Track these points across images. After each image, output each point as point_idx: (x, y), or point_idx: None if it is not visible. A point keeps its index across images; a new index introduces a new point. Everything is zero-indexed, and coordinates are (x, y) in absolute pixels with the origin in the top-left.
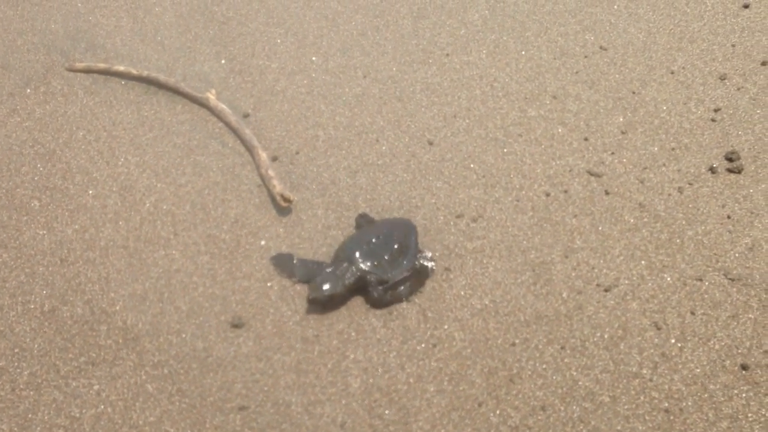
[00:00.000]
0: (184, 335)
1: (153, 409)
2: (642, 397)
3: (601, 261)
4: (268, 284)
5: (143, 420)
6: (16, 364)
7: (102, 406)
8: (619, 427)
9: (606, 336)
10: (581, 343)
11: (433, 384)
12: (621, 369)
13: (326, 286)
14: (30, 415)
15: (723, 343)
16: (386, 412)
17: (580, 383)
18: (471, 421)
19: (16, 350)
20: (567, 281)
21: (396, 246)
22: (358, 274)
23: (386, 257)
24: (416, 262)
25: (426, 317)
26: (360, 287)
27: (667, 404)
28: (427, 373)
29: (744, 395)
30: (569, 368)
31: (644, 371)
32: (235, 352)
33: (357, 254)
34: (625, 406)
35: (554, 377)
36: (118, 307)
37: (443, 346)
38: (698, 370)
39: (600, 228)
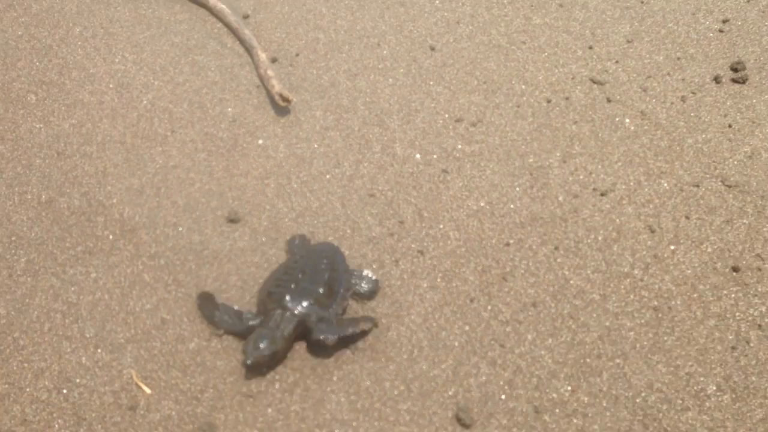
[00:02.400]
0: (180, 228)
1: (149, 297)
2: (632, 296)
3: (599, 166)
4: (265, 182)
5: (140, 307)
6: (13, 251)
7: (99, 293)
8: (607, 324)
9: (600, 238)
10: (575, 245)
11: (426, 280)
12: (613, 269)
13: (263, 345)
14: (27, 300)
15: (716, 247)
16: (379, 306)
17: (571, 282)
18: (462, 315)
19: (13, 238)
20: (564, 185)
21: (327, 275)
22: (296, 319)
23: (321, 290)
24: (356, 285)
25: (422, 216)
26: (301, 333)
27: (656, 303)
28: (421, 270)
29: (733, 296)
30: (562, 268)
31: (636, 271)
32: (230, 246)
33: (287, 297)
34: (615, 304)
35: (546, 276)
36: (115, 200)
37: (438, 245)
38: (689, 272)
39: (600, 134)
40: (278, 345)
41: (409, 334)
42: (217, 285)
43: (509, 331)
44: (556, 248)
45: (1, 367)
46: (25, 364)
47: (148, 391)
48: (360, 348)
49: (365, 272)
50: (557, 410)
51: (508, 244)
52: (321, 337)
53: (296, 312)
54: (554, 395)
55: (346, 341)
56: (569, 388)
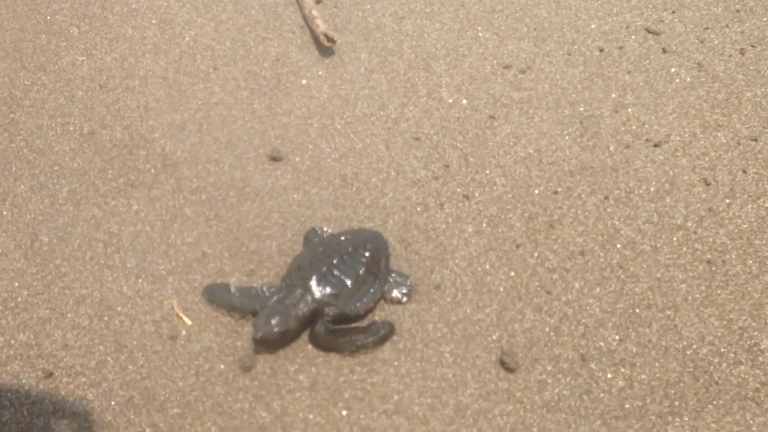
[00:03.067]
0: (222, 165)
1: (191, 231)
2: (684, 248)
3: (653, 117)
4: (308, 121)
5: (181, 240)
6: (55, 180)
7: (140, 225)
8: (658, 275)
9: (652, 189)
10: (626, 195)
11: (471, 225)
12: (665, 221)
13: (275, 321)
14: (69, 229)
15: None
16: (423, 248)
17: (621, 232)
18: (508, 261)
19: (55, 168)
20: (615, 135)
21: (362, 270)
22: (314, 305)
23: (348, 284)
24: (391, 291)
25: (468, 162)
26: (314, 321)
27: (710, 256)
28: (466, 215)
29: None
30: (611, 218)
31: (689, 224)
32: (272, 184)
33: (314, 279)
34: (666, 256)
35: (595, 225)
36: (156, 135)
37: (484, 190)
38: (745, 226)
39: (654, 85)
40: (290, 324)
41: (452, 278)
42: (259, 222)
43: (556, 279)
44: (606, 198)
45: (42, 293)
46: (67, 291)
47: (188, 322)
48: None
49: (405, 279)
50: (604, 359)
51: (556, 192)
52: (320, 330)
53: (316, 297)
54: (601, 344)
55: (349, 345)
56: (617, 337)
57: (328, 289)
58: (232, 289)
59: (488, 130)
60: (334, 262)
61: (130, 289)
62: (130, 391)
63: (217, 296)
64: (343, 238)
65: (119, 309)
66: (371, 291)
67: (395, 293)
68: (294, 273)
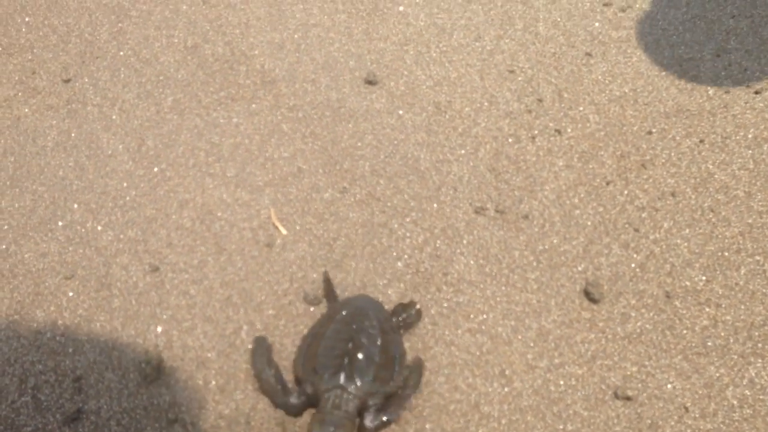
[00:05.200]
0: (318, 85)
1: (287, 146)
2: None
3: (755, 64)
4: (404, 48)
5: (278, 155)
6: (161, 90)
7: (240, 137)
8: (750, 221)
9: (750, 136)
10: (722, 140)
11: (562, 159)
12: (761, 168)
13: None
14: (174, 136)
15: None
16: (513, 178)
17: (715, 176)
18: (597, 197)
19: (161, 78)
20: (715, 79)
21: (380, 340)
22: (357, 400)
23: (377, 360)
24: (403, 326)
25: (561, 97)
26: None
27: None
28: (557, 149)
29: None
30: (706, 161)
31: None
32: (367, 107)
33: (342, 375)
34: (760, 203)
35: (689, 168)
36: (256, 52)
37: (576, 126)
38: None
39: (759, 31)
40: (348, 430)
41: (541, 209)
42: (352, 142)
43: (645, 217)
44: (702, 141)
45: (149, 194)
46: (171, 194)
47: (284, 231)
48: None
49: (405, 308)
50: (689, 298)
51: (650, 133)
52: (368, 425)
53: (355, 393)
54: (687, 283)
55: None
56: (704, 278)
57: (361, 379)
58: (273, 364)
59: (584, 67)
60: (350, 346)
61: (229, 197)
62: (229, 290)
63: (258, 356)
64: (339, 321)
65: (219, 214)
66: (398, 352)
67: (409, 321)
68: (312, 377)
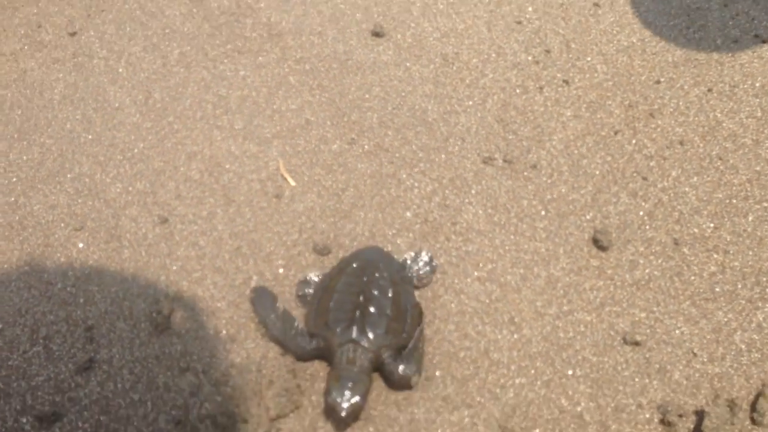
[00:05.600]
0: (325, 37)
1: (294, 99)
2: None
3: (763, 14)
4: (411, 0)
5: (285, 107)
6: (167, 43)
7: (247, 90)
8: (758, 168)
9: (758, 84)
10: (730, 89)
11: (570, 109)
12: None
13: (351, 388)
14: (180, 89)
15: None
16: (521, 128)
17: (723, 125)
18: (605, 146)
19: (167, 30)
20: (723, 29)
21: (391, 291)
22: (371, 354)
23: (389, 313)
24: (415, 279)
25: (569, 48)
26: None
27: None
28: (565, 99)
29: None
30: (714, 110)
31: None
32: (374, 59)
33: (354, 329)
34: None
35: (697, 117)
36: (262, 5)
37: (584, 76)
38: None
39: None
40: (366, 384)
41: (549, 159)
42: (360, 94)
43: (653, 166)
44: (710, 90)
45: (156, 146)
46: (179, 146)
47: (292, 183)
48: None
49: (417, 258)
50: (697, 244)
51: (658, 82)
52: (402, 373)
53: (368, 346)
54: (695, 230)
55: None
56: (712, 225)
57: (374, 332)
58: (278, 309)
59: (591, 17)
60: (361, 299)
61: (237, 149)
62: (239, 241)
63: (260, 304)
64: (350, 275)
65: (227, 166)
66: (409, 304)
67: (422, 276)
68: (325, 332)
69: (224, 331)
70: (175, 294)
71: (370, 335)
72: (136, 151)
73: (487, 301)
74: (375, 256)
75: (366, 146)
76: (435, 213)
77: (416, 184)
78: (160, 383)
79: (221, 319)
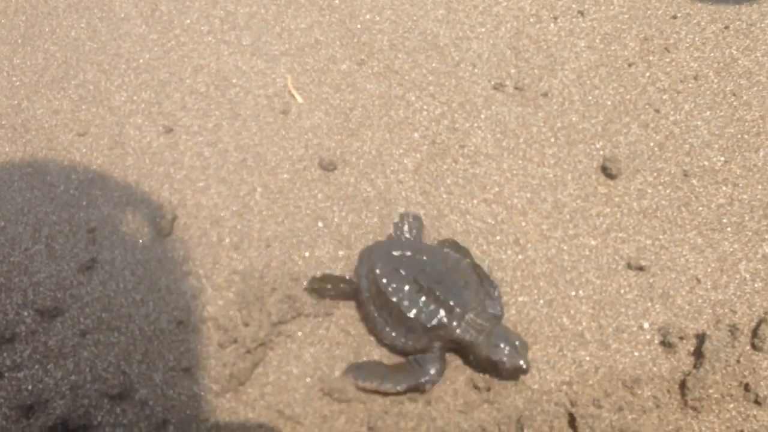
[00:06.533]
0: None
1: (304, 17)
2: None
3: None
4: None
5: (294, 25)
6: None
7: (255, 6)
8: None
9: None
10: (747, 27)
11: (584, 40)
12: None
13: (518, 342)
14: (188, 3)
15: None
16: (533, 56)
17: (739, 62)
18: (618, 77)
19: None
20: None
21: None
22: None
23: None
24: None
25: None
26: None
27: None
28: (579, 30)
29: None
30: (730, 47)
31: None
32: None
33: (442, 311)
34: None
35: (712, 53)
36: None
37: (599, 8)
38: None
39: None
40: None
41: (561, 87)
42: (371, 16)
43: (666, 99)
44: (727, 27)
45: (162, 58)
46: (185, 59)
47: (300, 99)
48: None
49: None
50: (706, 177)
51: (675, 17)
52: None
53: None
54: (705, 163)
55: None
56: (722, 158)
57: (456, 300)
58: (384, 368)
59: None
60: (423, 285)
61: (245, 65)
62: (244, 153)
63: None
64: (380, 277)
65: (234, 81)
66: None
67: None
68: (414, 334)
69: (227, 239)
70: (179, 201)
71: (458, 306)
72: (141, 61)
73: (493, 222)
74: (383, 248)
75: (375, 68)
76: (443, 135)
77: (425, 107)
78: (162, 285)
79: (225, 227)
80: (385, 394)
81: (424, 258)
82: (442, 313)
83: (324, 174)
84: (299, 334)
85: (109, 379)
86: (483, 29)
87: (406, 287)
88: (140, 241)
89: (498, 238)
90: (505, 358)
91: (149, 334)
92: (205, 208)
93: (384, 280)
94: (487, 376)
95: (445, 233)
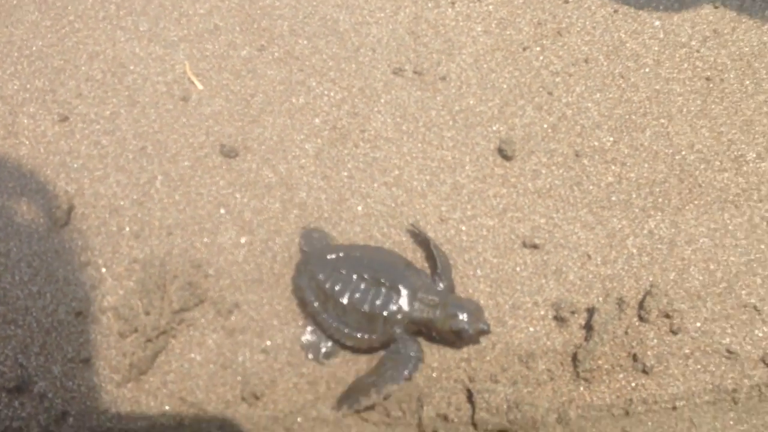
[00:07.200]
0: None
1: (203, 3)
2: (686, 65)
3: None
4: None
5: (193, 10)
6: None
7: None
8: (657, 87)
9: (661, 7)
10: (635, 11)
11: (481, 25)
12: (670, 38)
13: (478, 311)
14: None
15: None
16: (432, 41)
17: (627, 45)
18: (513, 61)
19: None
20: None
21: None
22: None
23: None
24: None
25: None
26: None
27: (709, 73)
28: (476, 15)
29: None
30: (619, 30)
31: (693, 42)
32: None
33: (392, 299)
34: (668, 70)
35: (602, 36)
36: None
37: None
38: (746, 49)
39: None
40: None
41: (458, 71)
42: (270, 1)
43: (558, 82)
44: (616, 11)
45: (56, 44)
46: (80, 46)
47: (200, 86)
48: None
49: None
50: (597, 156)
51: (566, 2)
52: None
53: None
54: (596, 143)
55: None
56: (611, 139)
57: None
58: (367, 378)
59: None
60: (366, 277)
61: (142, 51)
62: (143, 141)
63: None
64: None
65: (132, 68)
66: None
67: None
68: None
69: (127, 228)
70: (75, 191)
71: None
72: (34, 48)
73: (393, 205)
74: (314, 257)
75: (276, 53)
76: (344, 120)
77: (326, 92)
78: (60, 277)
79: (125, 216)
80: (386, 398)
81: (358, 254)
82: (394, 298)
83: (225, 161)
84: (202, 320)
85: (6, 372)
86: (382, 14)
87: (353, 285)
88: (36, 232)
89: (398, 220)
90: (466, 326)
91: (47, 326)
92: (104, 197)
93: (329, 285)
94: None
95: (346, 217)
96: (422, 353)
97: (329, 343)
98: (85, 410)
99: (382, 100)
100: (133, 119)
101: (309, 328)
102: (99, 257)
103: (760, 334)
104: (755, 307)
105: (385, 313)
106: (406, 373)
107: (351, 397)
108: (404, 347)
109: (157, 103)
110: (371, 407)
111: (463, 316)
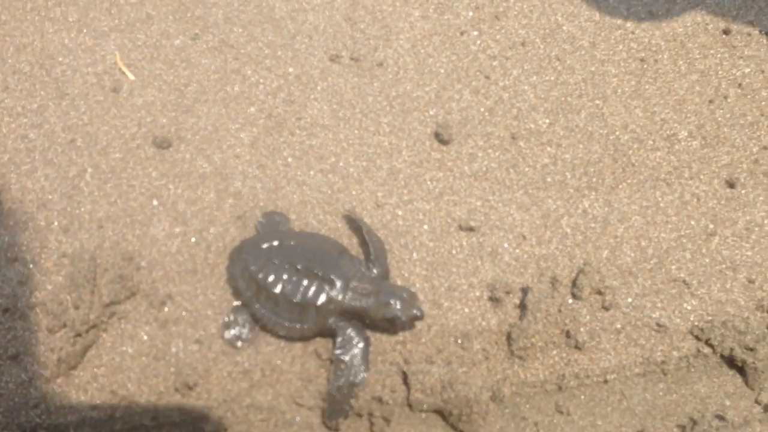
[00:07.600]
0: None
1: None
2: (620, 46)
3: None
4: None
5: (124, 0)
6: None
7: None
8: (592, 69)
9: None
10: None
11: (418, 10)
12: (606, 20)
13: (412, 298)
14: None
15: (710, 10)
16: (369, 27)
17: (563, 28)
18: (451, 46)
19: None
20: None
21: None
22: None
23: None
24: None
25: None
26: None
27: (643, 54)
28: (413, 0)
29: (719, 55)
30: (555, 14)
31: (628, 24)
32: None
33: (324, 289)
34: (603, 52)
35: (539, 20)
36: None
37: None
38: (680, 30)
39: None
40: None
41: (395, 57)
42: None
43: (495, 65)
44: None
45: None
46: (7, 38)
47: (131, 77)
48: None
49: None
50: (533, 139)
51: None
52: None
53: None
54: (532, 126)
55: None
56: (547, 121)
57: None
58: (334, 381)
59: None
60: (299, 267)
61: (71, 42)
62: (72, 134)
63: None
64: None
65: (60, 59)
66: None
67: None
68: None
69: (56, 223)
70: (2, 186)
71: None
72: None
73: (329, 191)
74: (250, 253)
75: (210, 42)
76: (280, 108)
77: (261, 81)
78: None
79: (53, 210)
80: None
81: (293, 243)
82: (326, 288)
83: (158, 152)
84: (134, 313)
85: None
86: (319, 0)
87: (285, 275)
88: None
89: (334, 207)
90: (399, 313)
91: None
92: (32, 192)
93: (261, 275)
94: (329, 346)
95: (281, 205)
96: (366, 334)
97: (249, 325)
98: (13, 407)
99: (319, 87)
100: (62, 112)
101: (230, 310)
102: (26, 253)
103: (689, 307)
104: (684, 281)
105: (317, 303)
106: (365, 361)
107: (338, 408)
108: (347, 338)
109: (86, 94)
110: (355, 404)
111: (395, 304)
